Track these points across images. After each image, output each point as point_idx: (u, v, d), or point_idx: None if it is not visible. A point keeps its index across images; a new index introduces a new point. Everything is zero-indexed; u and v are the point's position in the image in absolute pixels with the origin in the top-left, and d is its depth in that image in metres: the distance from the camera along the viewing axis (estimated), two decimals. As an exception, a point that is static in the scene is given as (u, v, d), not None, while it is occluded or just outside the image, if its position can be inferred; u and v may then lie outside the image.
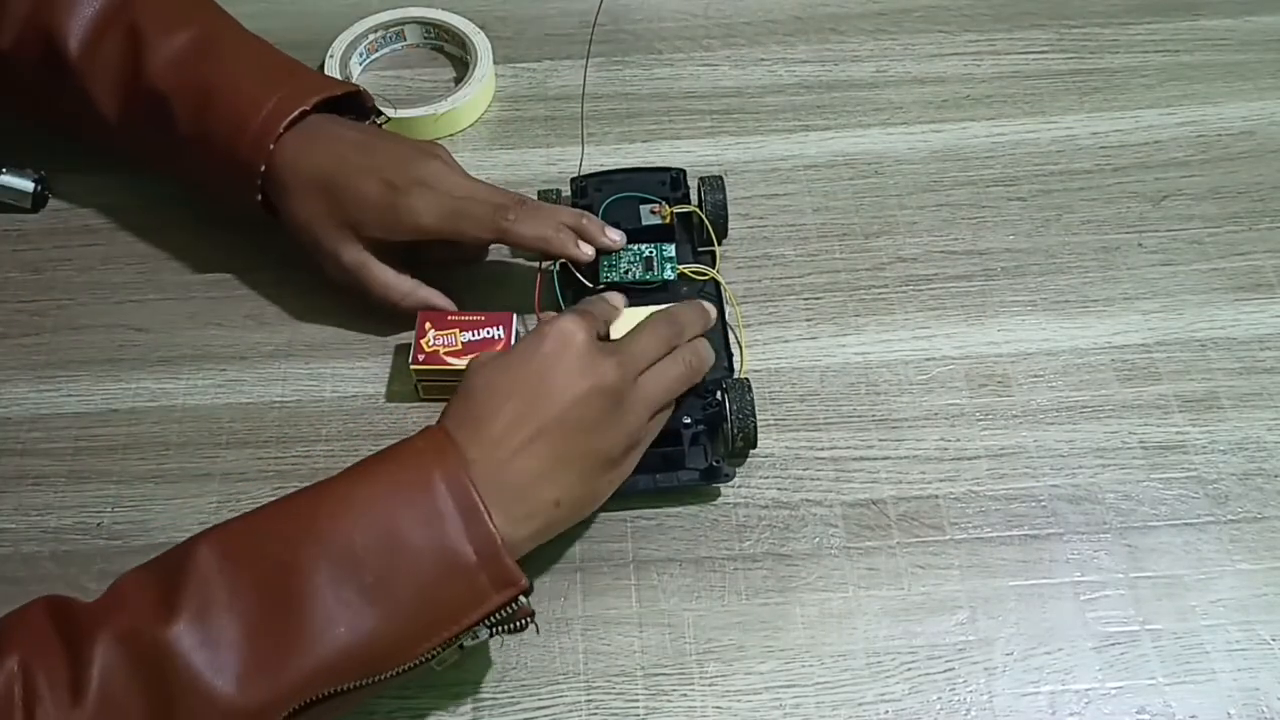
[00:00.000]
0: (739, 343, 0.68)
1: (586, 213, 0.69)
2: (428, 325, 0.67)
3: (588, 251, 0.67)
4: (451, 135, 0.80)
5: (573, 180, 0.74)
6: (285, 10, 0.87)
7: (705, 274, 0.69)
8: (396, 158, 0.68)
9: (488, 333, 0.67)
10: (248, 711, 0.49)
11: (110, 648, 0.49)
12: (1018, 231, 0.74)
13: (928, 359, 0.69)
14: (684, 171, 0.73)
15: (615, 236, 0.68)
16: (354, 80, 0.82)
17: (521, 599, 0.53)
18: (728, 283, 0.70)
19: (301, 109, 0.67)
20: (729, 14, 0.87)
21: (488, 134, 0.80)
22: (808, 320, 0.71)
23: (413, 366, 0.66)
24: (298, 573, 0.51)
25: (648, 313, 0.64)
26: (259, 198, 0.68)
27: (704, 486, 0.64)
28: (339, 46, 0.82)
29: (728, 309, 0.69)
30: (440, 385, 0.67)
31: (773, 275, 0.73)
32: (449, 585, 0.52)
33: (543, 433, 0.55)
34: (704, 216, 0.71)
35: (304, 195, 0.67)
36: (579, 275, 0.68)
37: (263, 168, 0.67)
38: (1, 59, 0.70)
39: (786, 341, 0.70)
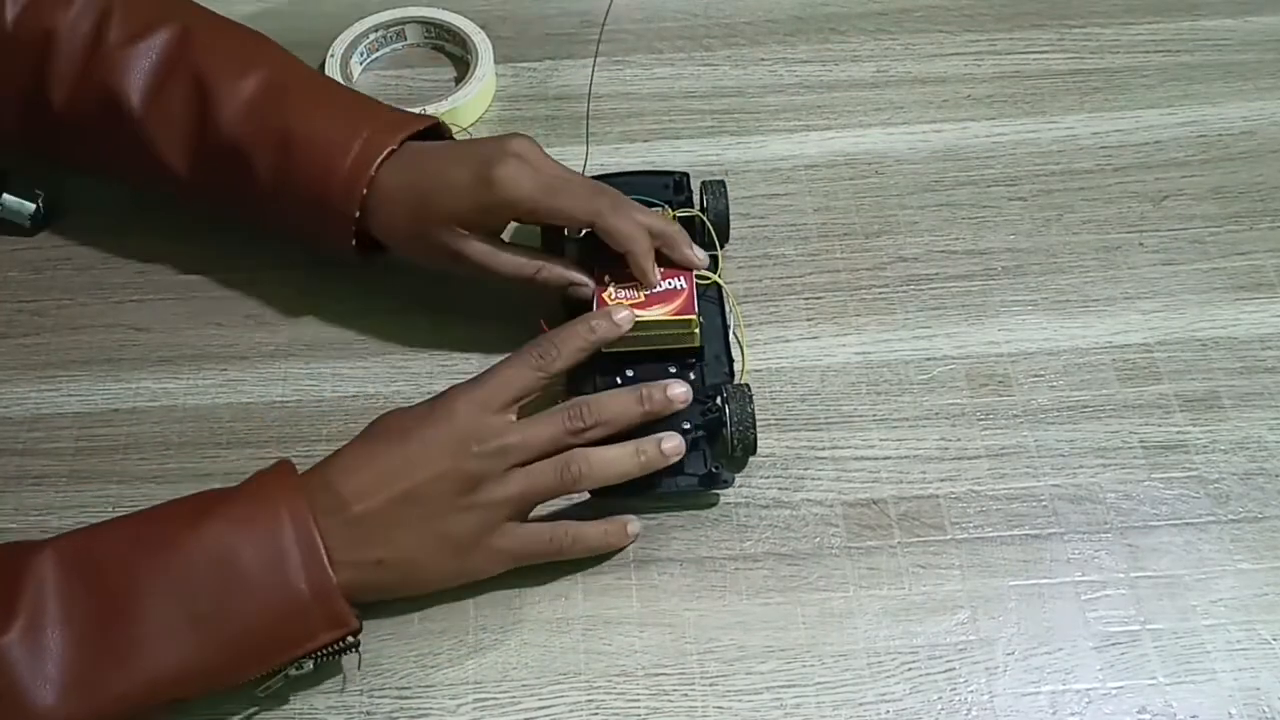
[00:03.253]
0: (740, 346, 0.68)
1: (676, 224, 0.67)
2: (607, 278, 0.66)
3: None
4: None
5: (575, 180, 0.74)
6: (285, 10, 0.87)
7: (708, 279, 0.69)
8: (483, 145, 0.66)
9: (669, 284, 0.65)
10: None
11: None
12: (1018, 231, 0.74)
13: (928, 359, 0.69)
14: (687, 175, 0.73)
15: (701, 255, 0.67)
16: (354, 80, 0.82)
17: (349, 637, 0.55)
18: (727, 283, 0.70)
19: (389, 149, 0.65)
20: (729, 14, 0.87)
21: (488, 134, 0.80)
22: (808, 320, 0.71)
23: None
24: (133, 595, 0.53)
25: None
26: (353, 243, 0.66)
27: (702, 493, 0.64)
28: (339, 46, 0.82)
29: (729, 314, 0.69)
30: (625, 337, 0.64)
31: (773, 275, 0.73)
32: (281, 622, 0.54)
33: (397, 498, 0.57)
34: (706, 220, 0.71)
35: (399, 212, 0.65)
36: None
37: (357, 214, 0.65)
38: (55, 119, 0.67)
39: (787, 341, 0.70)
